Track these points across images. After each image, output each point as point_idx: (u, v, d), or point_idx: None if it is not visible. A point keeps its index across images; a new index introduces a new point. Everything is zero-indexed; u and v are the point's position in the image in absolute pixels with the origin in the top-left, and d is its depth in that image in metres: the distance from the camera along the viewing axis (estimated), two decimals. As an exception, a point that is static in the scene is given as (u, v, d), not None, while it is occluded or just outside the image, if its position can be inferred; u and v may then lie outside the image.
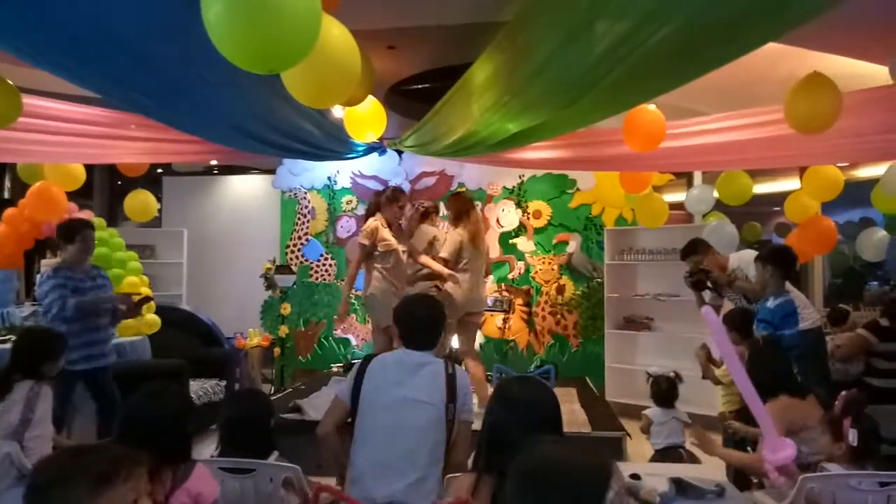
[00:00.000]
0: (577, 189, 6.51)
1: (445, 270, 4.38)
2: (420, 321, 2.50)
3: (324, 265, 6.99)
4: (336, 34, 2.26)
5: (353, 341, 6.85)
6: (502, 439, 1.59)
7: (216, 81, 2.79)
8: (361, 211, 6.35)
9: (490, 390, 2.83)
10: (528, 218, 6.59)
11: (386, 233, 4.46)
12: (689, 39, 2.17)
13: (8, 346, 4.06)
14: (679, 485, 2.12)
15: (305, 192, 7.06)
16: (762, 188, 5.14)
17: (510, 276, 6.55)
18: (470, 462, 1.84)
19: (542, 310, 6.53)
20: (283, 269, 6.61)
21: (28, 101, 3.33)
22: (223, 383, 5.44)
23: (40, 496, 1.25)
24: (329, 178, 7.01)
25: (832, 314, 4.60)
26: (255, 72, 1.94)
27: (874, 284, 6.11)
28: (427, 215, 4.94)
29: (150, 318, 5.08)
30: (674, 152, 4.08)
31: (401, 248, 4.52)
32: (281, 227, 7.13)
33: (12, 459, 2.47)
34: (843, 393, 2.36)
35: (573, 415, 4.58)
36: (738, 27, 2.09)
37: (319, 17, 1.91)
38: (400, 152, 6.34)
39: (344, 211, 6.99)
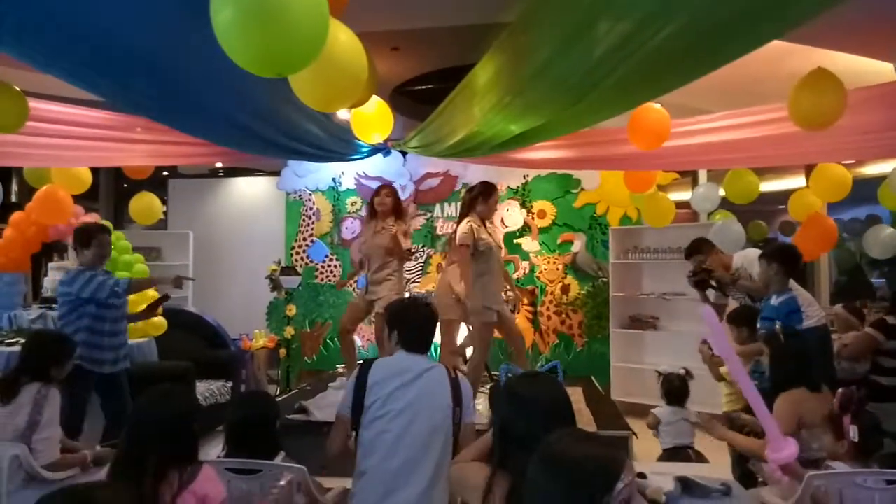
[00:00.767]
0: (582, 188, 6.51)
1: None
2: (423, 324, 2.50)
3: (329, 266, 7.01)
4: (343, 38, 2.27)
5: (359, 342, 6.86)
6: (515, 436, 1.61)
7: (221, 84, 2.80)
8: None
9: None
10: (533, 218, 6.59)
11: (483, 231, 4.33)
12: (693, 38, 2.17)
13: (15, 348, 4.10)
14: (685, 484, 2.12)
15: (310, 194, 7.08)
16: (767, 186, 5.13)
17: (515, 276, 6.55)
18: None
19: (547, 309, 6.53)
20: (289, 270, 6.62)
21: (34, 104, 3.35)
22: (229, 385, 5.45)
23: None
24: (334, 180, 7.02)
25: (853, 312, 4.42)
26: (263, 76, 1.95)
27: (880, 282, 6.09)
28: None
29: (157, 321, 5.09)
30: (679, 151, 4.07)
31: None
32: (286, 228, 7.14)
33: (20, 461, 2.49)
34: (841, 390, 2.36)
35: (579, 414, 4.55)
36: (740, 25, 2.09)
37: (327, 21, 1.93)
38: (404, 153, 6.35)
39: (349, 212, 7.01)
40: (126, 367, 3.78)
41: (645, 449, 4.22)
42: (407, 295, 5.95)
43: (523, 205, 6.62)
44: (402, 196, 6.78)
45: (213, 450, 2.41)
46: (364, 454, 2.24)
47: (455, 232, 4.40)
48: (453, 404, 2.31)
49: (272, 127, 3.65)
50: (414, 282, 6.77)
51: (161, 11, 2.18)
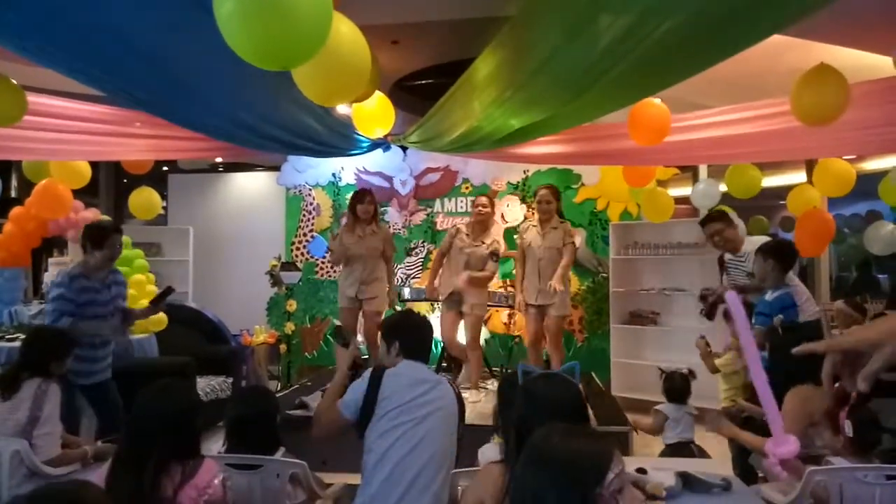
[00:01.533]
0: (582, 184, 6.50)
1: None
2: (422, 332, 2.54)
3: (329, 262, 7.00)
4: (346, 31, 2.27)
5: (360, 337, 6.85)
6: (530, 435, 1.62)
7: (220, 78, 2.79)
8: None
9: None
10: (533, 213, 6.57)
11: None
12: (693, 33, 2.16)
13: (16, 343, 4.09)
14: (685, 479, 2.12)
15: (310, 189, 7.07)
16: (767, 182, 5.10)
17: (514, 272, 6.54)
18: None
19: (548, 305, 6.51)
20: (289, 265, 6.62)
21: (33, 99, 3.34)
22: (230, 380, 5.46)
23: None
24: (334, 175, 7.01)
25: (854, 307, 4.43)
26: (266, 69, 1.94)
27: (883, 277, 6.08)
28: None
29: (157, 317, 5.09)
30: (679, 146, 4.06)
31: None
32: (286, 223, 7.14)
33: (21, 457, 2.49)
34: (837, 385, 2.36)
35: (579, 410, 4.58)
36: (741, 20, 2.08)
37: (330, 13, 1.92)
38: (404, 148, 6.34)
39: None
40: (107, 379, 3.56)
41: (644, 444, 4.23)
42: (406, 290, 5.98)
43: (523, 200, 6.61)
44: (403, 191, 6.81)
45: (213, 445, 2.40)
46: (373, 462, 2.21)
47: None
48: (459, 419, 2.36)
49: (272, 122, 3.64)
50: (414, 277, 6.76)
51: (161, 5, 2.18)
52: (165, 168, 7.76)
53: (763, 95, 3.70)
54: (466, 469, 2.22)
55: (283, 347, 6.75)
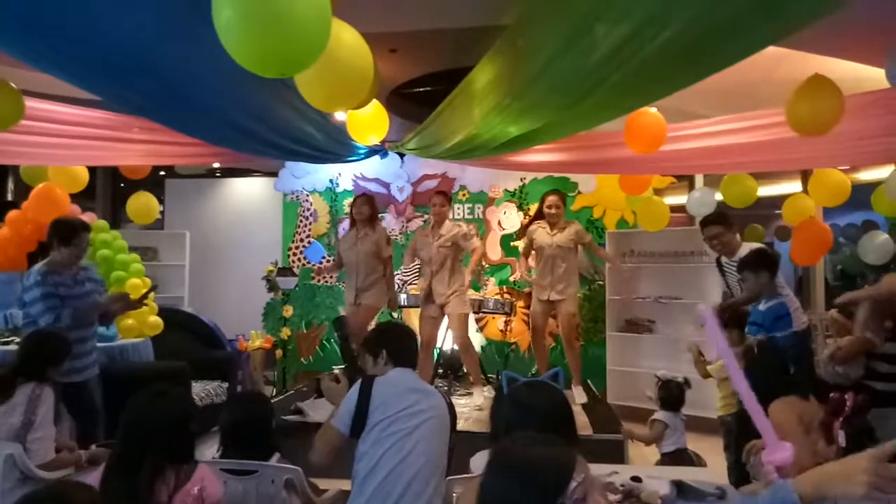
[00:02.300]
0: (579, 192, 6.52)
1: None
2: (408, 340, 2.55)
3: (324, 269, 6.99)
4: (348, 38, 2.28)
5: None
6: None
7: (218, 84, 2.80)
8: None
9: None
10: (529, 220, 6.59)
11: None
12: (690, 43, 2.17)
13: (11, 347, 4.08)
14: (680, 487, 2.12)
15: (307, 195, 7.08)
16: (762, 191, 5.13)
17: (512, 279, 6.56)
18: None
19: (544, 312, 6.51)
20: (285, 271, 6.61)
21: (31, 103, 3.35)
22: (225, 385, 5.45)
23: None
24: (331, 181, 7.02)
25: (849, 316, 4.42)
26: (265, 76, 1.95)
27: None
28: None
29: (153, 321, 5.09)
30: (675, 155, 4.08)
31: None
32: (283, 229, 7.14)
33: (15, 461, 2.48)
34: (832, 395, 2.36)
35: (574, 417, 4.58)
36: (737, 31, 2.10)
37: (329, 20, 1.93)
38: (402, 155, 6.35)
39: (346, 213, 6.98)
40: (88, 378, 3.48)
41: (640, 452, 4.23)
42: (403, 296, 5.96)
43: (520, 207, 6.63)
44: (400, 198, 6.83)
45: (208, 450, 2.40)
46: (364, 472, 2.20)
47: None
48: (451, 430, 2.37)
49: (269, 127, 3.65)
50: (411, 283, 6.76)
51: (160, 11, 2.19)
52: (163, 173, 7.75)
53: (758, 106, 3.72)
54: (462, 476, 2.23)
55: (278, 353, 6.73)
